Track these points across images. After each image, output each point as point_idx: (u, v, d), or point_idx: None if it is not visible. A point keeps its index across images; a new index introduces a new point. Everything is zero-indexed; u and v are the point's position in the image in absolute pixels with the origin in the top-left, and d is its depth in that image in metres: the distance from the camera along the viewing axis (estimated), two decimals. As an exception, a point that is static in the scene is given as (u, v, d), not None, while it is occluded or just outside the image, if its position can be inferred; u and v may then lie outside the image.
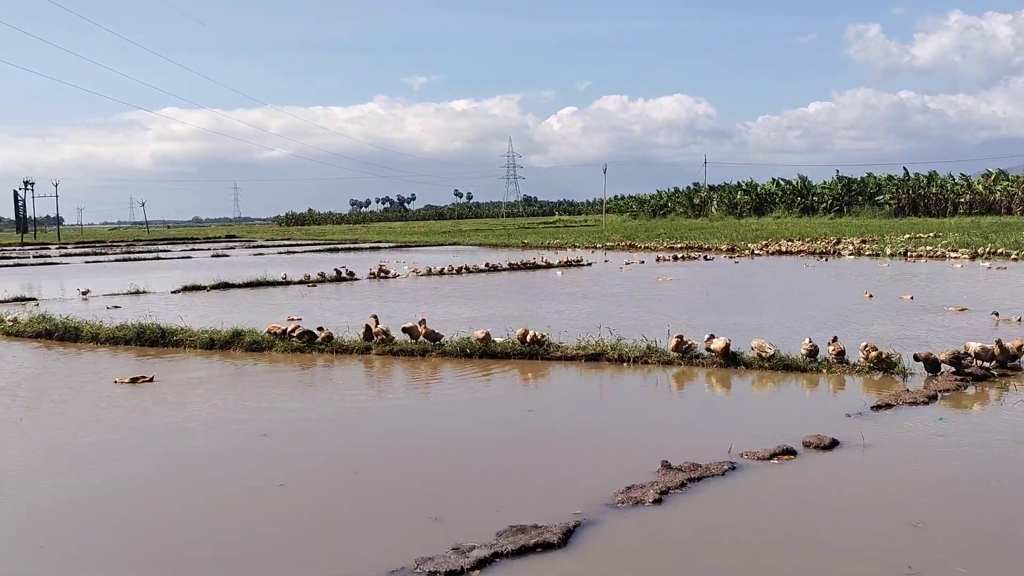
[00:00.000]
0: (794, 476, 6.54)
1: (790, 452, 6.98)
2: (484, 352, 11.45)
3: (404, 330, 12.05)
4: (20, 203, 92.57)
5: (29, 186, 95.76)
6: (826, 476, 6.55)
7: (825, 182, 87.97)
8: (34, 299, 21.40)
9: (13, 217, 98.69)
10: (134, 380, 10.46)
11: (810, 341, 10.49)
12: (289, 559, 5.20)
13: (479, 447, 7.55)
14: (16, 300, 20.96)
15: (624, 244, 42.30)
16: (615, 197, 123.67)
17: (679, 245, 38.93)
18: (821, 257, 31.32)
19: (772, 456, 6.89)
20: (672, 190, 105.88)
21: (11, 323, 14.90)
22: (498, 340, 11.62)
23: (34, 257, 48.76)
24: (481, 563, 4.99)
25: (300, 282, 24.53)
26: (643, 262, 30.35)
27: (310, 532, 5.61)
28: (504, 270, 27.83)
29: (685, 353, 10.74)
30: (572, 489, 6.26)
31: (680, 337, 10.83)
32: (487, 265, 28.35)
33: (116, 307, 18.68)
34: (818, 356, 10.35)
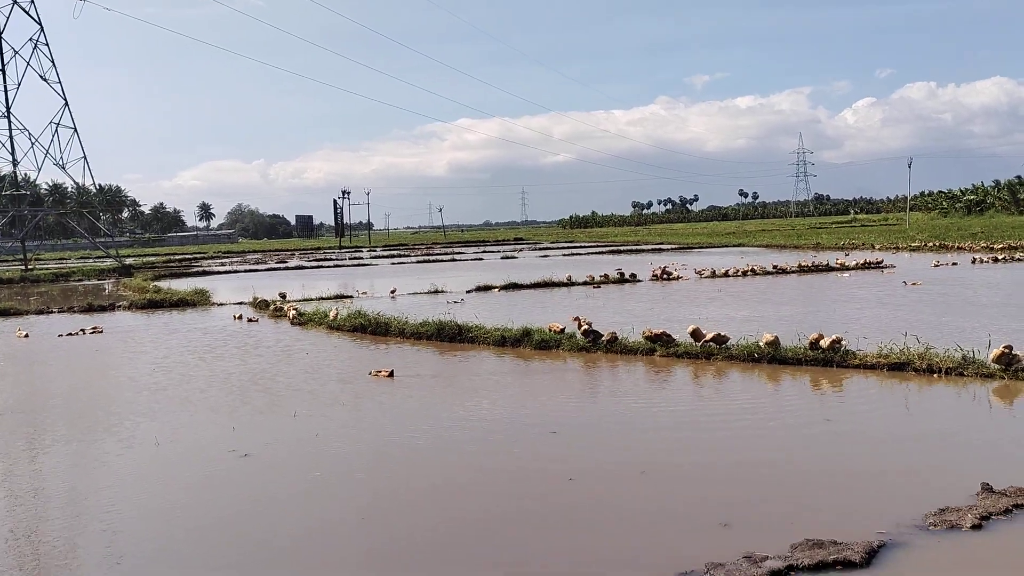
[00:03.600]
0: None
1: None
2: (772, 357, 10.97)
3: (690, 333, 11.87)
4: (339, 211, 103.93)
5: (346, 195, 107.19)
6: None
7: None
8: (350, 296, 23.97)
9: (332, 223, 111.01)
10: (376, 373, 11.37)
11: None
12: (580, 551, 5.31)
13: (770, 455, 7.21)
14: (336, 297, 23.59)
15: (932, 244, 38.58)
16: (921, 193, 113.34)
17: (999, 245, 34.74)
18: None
19: (1125, 488, 5.92)
20: (991, 184, 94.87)
21: (333, 318, 16.74)
22: (788, 345, 11.08)
23: (350, 259, 54.58)
24: (775, 575, 4.76)
25: (583, 283, 25.12)
26: (955, 264, 27.45)
27: (598, 527, 5.69)
28: (793, 272, 26.51)
29: (1009, 365, 9.53)
30: (875, 506, 5.80)
31: (1008, 348, 9.61)
32: (774, 267, 27.19)
33: (458, 302, 20.73)
34: None
